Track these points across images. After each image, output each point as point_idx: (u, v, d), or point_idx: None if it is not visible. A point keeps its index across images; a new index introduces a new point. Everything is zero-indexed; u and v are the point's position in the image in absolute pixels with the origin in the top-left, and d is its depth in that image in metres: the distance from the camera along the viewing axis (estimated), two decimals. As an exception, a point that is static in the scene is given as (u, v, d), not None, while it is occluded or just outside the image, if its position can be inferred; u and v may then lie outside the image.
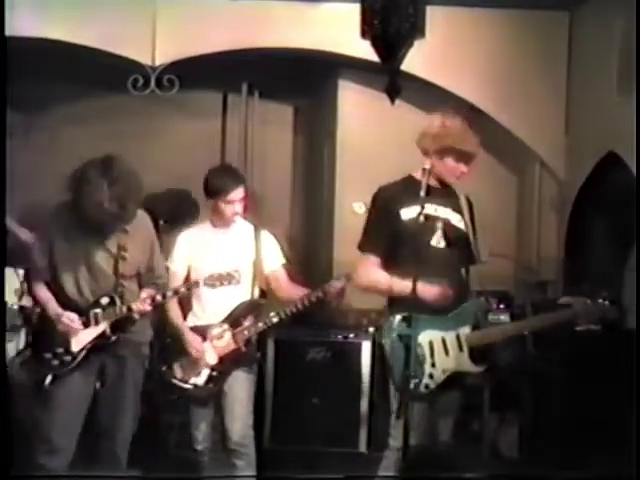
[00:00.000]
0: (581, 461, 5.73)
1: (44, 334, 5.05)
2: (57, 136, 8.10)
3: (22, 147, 7.45)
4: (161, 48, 7.16)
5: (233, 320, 5.47)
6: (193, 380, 5.45)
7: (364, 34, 4.41)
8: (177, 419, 6.20)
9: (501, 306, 6.76)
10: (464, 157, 4.67)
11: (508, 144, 7.64)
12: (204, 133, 8.33)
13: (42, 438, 4.99)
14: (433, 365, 4.56)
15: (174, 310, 5.51)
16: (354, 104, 7.82)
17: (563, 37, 7.38)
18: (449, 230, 4.65)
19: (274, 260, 5.61)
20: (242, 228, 5.60)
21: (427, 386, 4.53)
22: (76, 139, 8.08)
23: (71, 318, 4.95)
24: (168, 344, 5.54)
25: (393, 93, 4.47)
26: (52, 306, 5.01)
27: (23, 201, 6.40)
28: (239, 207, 5.49)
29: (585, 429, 6.05)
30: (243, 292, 5.50)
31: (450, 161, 4.66)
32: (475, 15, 7.31)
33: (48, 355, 4.99)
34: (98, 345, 5.00)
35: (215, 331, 5.46)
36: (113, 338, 5.00)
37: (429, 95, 7.11)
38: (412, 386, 4.48)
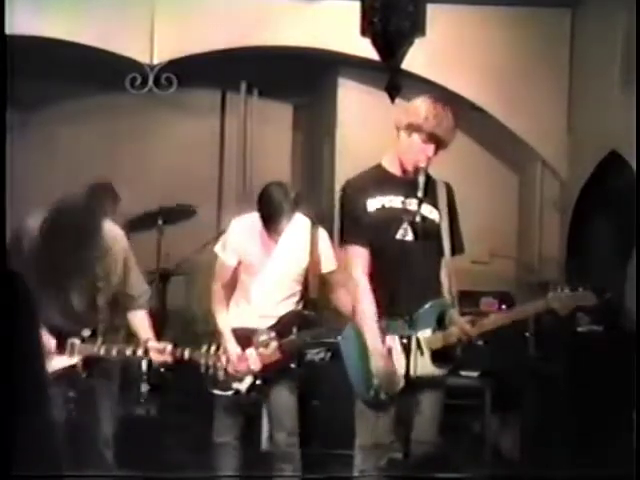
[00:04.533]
0: (581, 461, 5.71)
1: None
2: (55, 135, 8.09)
3: (19, 145, 7.42)
4: (159, 47, 7.13)
5: (281, 328, 5.22)
6: (236, 385, 5.26)
7: (364, 32, 4.38)
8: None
9: (502, 307, 6.74)
10: (432, 140, 4.41)
11: (509, 143, 7.62)
12: (203, 132, 8.32)
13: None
14: None
15: (220, 308, 5.28)
16: (354, 102, 7.80)
17: (565, 35, 7.36)
18: (418, 222, 4.36)
19: (329, 261, 5.28)
20: (298, 223, 5.28)
21: (387, 393, 4.42)
22: (74, 137, 8.07)
23: (46, 342, 4.55)
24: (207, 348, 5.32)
25: (393, 91, 4.43)
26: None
27: (20, 199, 6.37)
28: (279, 238, 5.25)
29: (586, 429, 6.03)
30: (294, 293, 5.29)
31: (417, 140, 4.42)
32: (476, 13, 7.29)
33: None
34: (66, 375, 4.67)
35: (262, 338, 5.22)
36: (83, 375, 4.69)
37: (429, 93, 7.06)
38: (372, 393, 4.39)
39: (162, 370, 6.87)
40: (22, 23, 6.64)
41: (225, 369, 5.20)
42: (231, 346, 5.22)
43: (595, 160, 6.90)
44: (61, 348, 4.68)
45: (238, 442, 5.38)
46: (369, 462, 4.48)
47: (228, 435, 5.37)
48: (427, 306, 4.44)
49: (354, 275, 4.49)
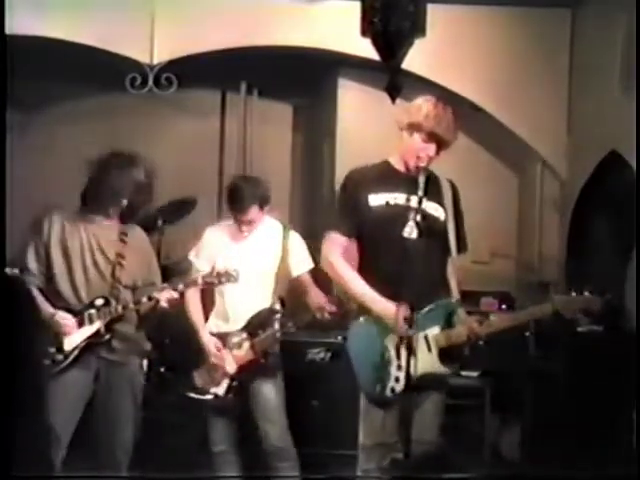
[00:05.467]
0: (581, 461, 5.71)
1: (36, 334, 5.02)
2: (55, 135, 8.09)
3: (19, 145, 7.42)
4: (159, 47, 7.13)
5: (252, 329, 5.36)
6: (213, 390, 5.37)
7: (364, 32, 4.37)
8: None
9: (502, 307, 6.75)
10: (433, 139, 4.44)
11: (509, 143, 7.62)
12: (203, 132, 8.33)
13: (38, 434, 4.97)
14: (399, 368, 4.38)
15: (195, 313, 5.44)
16: (354, 103, 7.80)
17: (565, 35, 7.36)
18: (423, 220, 4.35)
19: (301, 264, 5.46)
20: (270, 227, 5.47)
21: (393, 390, 4.42)
22: (74, 138, 8.07)
23: (64, 317, 4.92)
24: (184, 350, 5.47)
25: (393, 92, 4.43)
26: (45, 306, 4.98)
27: (20, 199, 6.37)
28: (246, 228, 5.38)
29: (586, 429, 6.03)
30: (267, 297, 5.40)
31: (418, 139, 4.46)
32: (476, 13, 7.29)
33: (40, 354, 4.95)
34: (92, 345, 4.96)
35: (234, 339, 5.36)
36: (107, 336, 4.96)
37: (429, 94, 7.06)
38: (378, 390, 4.41)
39: (162, 370, 6.91)
40: (22, 23, 6.64)
41: (200, 373, 5.37)
42: (206, 339, 5.37)
43: (595, 160, 6.90)
44: (80, 323, 4.94)
45: (235, 449, 5.45)
46: (372, 462, 4.49)
47: (224, 444, 5.42)
48: (434, 304, 4.45)
49: (330, 258, 4.54)
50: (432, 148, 4.46)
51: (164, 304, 5.01)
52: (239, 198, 5.33)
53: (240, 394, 5.37)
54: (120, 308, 4.96)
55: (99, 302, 4.97)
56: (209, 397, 5.38)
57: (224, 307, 5.44)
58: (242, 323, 5.38)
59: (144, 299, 4.98)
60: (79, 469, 5.01)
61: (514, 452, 6.67)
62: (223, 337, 5.39)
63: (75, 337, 4.94)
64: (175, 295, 5.01)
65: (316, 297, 5.38)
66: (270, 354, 5.37)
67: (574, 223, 7.26)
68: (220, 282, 5.12)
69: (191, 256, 5.50)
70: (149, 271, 5.18)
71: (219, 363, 5.34)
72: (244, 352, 5.34)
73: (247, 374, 5.34)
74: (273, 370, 5.40)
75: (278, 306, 5.40)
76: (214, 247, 5.45)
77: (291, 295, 5.60)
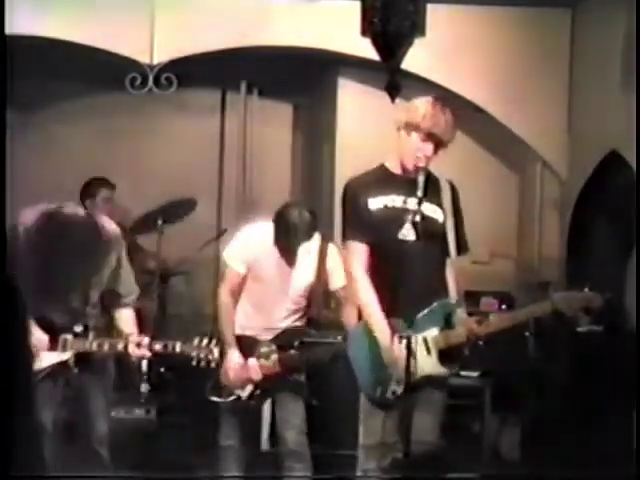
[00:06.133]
0: (581, 461, 5.71)
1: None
2: (55, 134, 8.09)
3: (19, 145, 7.41)
4: (159, 46, 7.13)
5: (282, 342, 5.27)
6: (237, 392, 5.31)
7: (364, 32, 4.38)
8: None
9: (502, 307, 6.75)
10: (431, 139, 4.40)
11: (509, 143, 7.61)
12: (203, 132, 8.32)
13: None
14: (399, 370, 4.32)
15: (226, 316, 5.29)
16: (354, 102, 7.79)
17: (565, 35, 7.36)
18: (421, 222, 4.33)
19: (338, 278, 5.27)
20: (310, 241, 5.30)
21: (394, 392, 4.42)
22: (74, 138, 8.07)
23: (39, 339, 4.59)
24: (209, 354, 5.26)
25: (393, 91, 4.44)
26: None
27: (20, 199, 6.36)
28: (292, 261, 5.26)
29: (586, 429, 6.03)
30: (299, 308, 5.32)
31: (416, 139, 4.40)
32: (476, 13, 7.28)
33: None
34: (57, 371, 4.68)
35: (263, 349, 5.27)
36: (75, 370, 4.68)
37: (429, 94, 7.06)
38: (379, 393, 4.41)
39: (162, 370, 6.91)
40: (22, 23, 6.64)
41: (225, 376, 5.26)
42: (234, 355, 5.25)
43: (595, 160, 6.90)
44: (53, 344, 4.65)
45: (242, 445, 5.43)
46: (372, 462, 4.49)
47: (233, 438, 5.40)
48: (433, 306, 4.44)
49: (353, 272, 4.50)
50: (430, 148, 4.43)
51: (133, 359, 4.79)
52: (292, 235, 5.14)
53: (260, 402, 5.37)
54: (95, 346, 4.65)
55: (78, 329, 4.68)
56: (231, 399, 5.31)
57: (257, 311, 5.33)
58: (272, 333, 5.28)
59: (120, 346, 4.67)
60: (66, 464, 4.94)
61: (514, 452, 6.66)
62: (252, 342, 5.29)
63: (45, 359, 4.63)
64: (147, 354, 4.73)
65: (348, 318, 5.10)
66: (297, 371, 5.30)
67: (574, 223, 7.25)
68: (199, 359, 4.76)
69: (226, 255, 5.31)
70: (116, 281, 4.82)
71: (243, 371, 5.25)
72: (271, 363, 5.25)
73: (271, 385, 5.28)
74: (299, 384, 5.33)
75: (311, 328, 5.32)
76: (253, 250, 5.26)
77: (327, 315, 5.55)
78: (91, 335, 4.68)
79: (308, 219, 5.16)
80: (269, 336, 5.28)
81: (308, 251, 5.26)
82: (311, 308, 5.33)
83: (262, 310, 5.31)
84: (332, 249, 5.33)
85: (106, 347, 4.67)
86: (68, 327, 4.69)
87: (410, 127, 4.44)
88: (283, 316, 5.29)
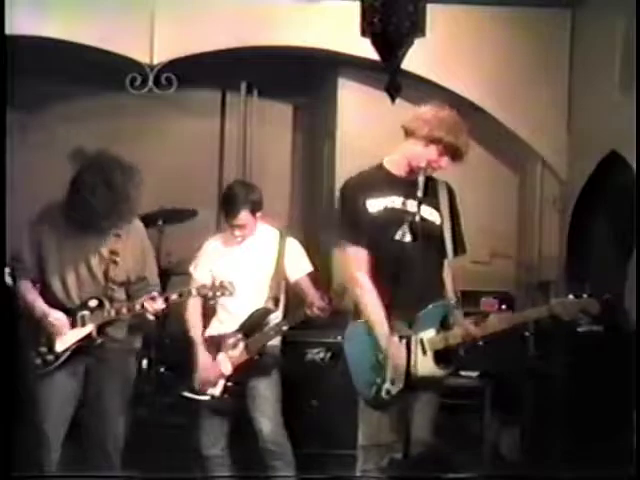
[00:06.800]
0: (581, 461, 5.71)
1: (29, 333, 4.99)
2: (55, 135, 8.08)
3: (19, 145, 7.42)
4: (159, 47, 7.13)
5: (246, 329, 5.43)
6: (210, 391, 5.42)
7: (364, 32, 4.38)
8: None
9: (502, 307, 6.74)
10: (449, 151, 4.48)
11: (509, 143, 7.61)
12: (203, 132, 8.32)
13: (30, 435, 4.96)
14: (394, 371, 4.37)
15: (193, 318, 5.50)
16: (354, 103, 7.79)
17: (565, 35, 7.35)
18: (418, 223, 4.38)
19: (299, 268, 5.55)
20: (265, 233, 5.56)
21: (388, 392, 4.43)
22: (74, 138, 8.05)
23: (58, 317, 4.89)
24: (183, 351, 5.49)
25: (393, 92, 4.44)
26: (38, 305, 4.93)
27: (20, 199, 6.37)
28: (239, 232, 5.45)
29: (585, 429, 6.03)
30: (262, 300, 5.46)
31: (434, 151, 4.46)
32: (476, 13, 7.28)
33: (31, 354, 4.93)
34: (83, 347, 4.93)
35: (230, 341, 5.43)
36: (99, 340, 4.92)
37: (429, 94, 7.07)
38: (373, 392, 4.42)
39: (162, 370, 6.91)
40: (22, 23, 6.64)
41: (198, 378, 5.42)
42: (202, 356, 5.42)
43: (595, 160, 6.90)
44: (72, 324, 4.92)
45: (226, 454, 5.48)
46: (371, 462, 4.50)
47: (215, 447, 5.45)
48: (430, 307, 4.45)
49: (354, 275, 4.50)
50: (446, 160, 4.50)
51: (150, 316, 4.99)
52: (231, 203, 5.43)
53: (236, 394, 5.41)
54: (113, 312, 4.92)
55: (92, 304, 4.93)
56: (206, 398, 5.42)
57: (221, 310, 5.51)
58: (237, 325, 5.44)
59: (137, 307, 4.93)
60: (72, 464, 5.01)
61: (514, 452, 6.67)
62: (219, 340, 5.46)
63: (67, 338, 4.91)
64: (162, 306, 4.98)
65: (317, 298, 5.42)
66: (265, 353, 5.42)
67: (574, 223, 7.25)
68: (215, 295, 5.16)
69: (191, 269, 5.57)
70: (143, 267, 5.13)
71: (206, 378, 5.39)
72: (239, 353, 5.40)
73: (242, 374, 5.39)
74: (268, 368, 5.45)
75: (271, 305, 5.44)
76: (212, 257, 5.53)
77: (291, 299, 5.63)
78: (107, 304, 4.92)
79: (247, 189, 5.52)
80: (235, 326, 5.43)
81: (264, 245, 5.48)
82: (272, 293, 5.46)
83: (225, 307, 5.48)
84: (291, 241, 5.57)
85: (124, 311, 4.93)
86: (81, 307, 4.93)
87: (431, 140, 4.47)
88: (245, 306, 5.42)
